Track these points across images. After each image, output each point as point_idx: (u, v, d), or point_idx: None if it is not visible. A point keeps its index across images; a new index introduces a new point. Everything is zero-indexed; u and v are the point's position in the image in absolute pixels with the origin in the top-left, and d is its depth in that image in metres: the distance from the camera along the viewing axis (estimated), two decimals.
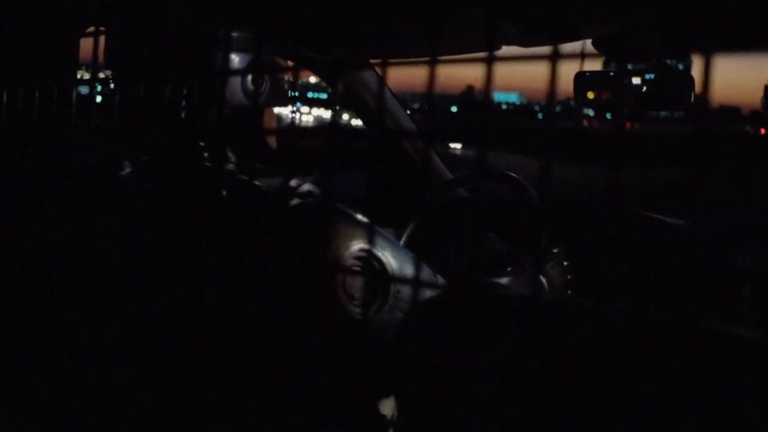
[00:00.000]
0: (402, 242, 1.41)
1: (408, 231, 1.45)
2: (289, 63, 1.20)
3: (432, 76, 0.51)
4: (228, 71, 1.01)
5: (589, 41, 0.99)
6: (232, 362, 0.88)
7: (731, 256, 1.37)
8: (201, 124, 1.02)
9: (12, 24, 1.08)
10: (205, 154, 1.02)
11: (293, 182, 1.01)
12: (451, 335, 0.77)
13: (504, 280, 1.19)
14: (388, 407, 0.84)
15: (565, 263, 1.34)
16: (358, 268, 0.87)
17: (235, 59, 1.01)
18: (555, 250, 1.33)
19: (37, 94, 1.03)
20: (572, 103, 1.29)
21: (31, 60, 1.08)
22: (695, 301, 1.32)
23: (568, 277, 1.34)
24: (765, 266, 1.35)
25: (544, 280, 1.28)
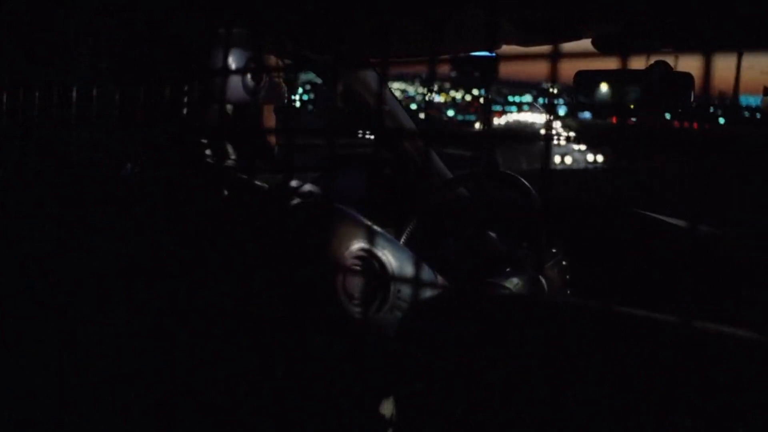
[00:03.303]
0: (402, 242, 1.41)
1: (408, 231, 1.45)
2: (287, 62, 1.20)
3: (432, 76, 0.51)
4: (228, 69, 1.01)
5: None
6: (232, 362, 0.88)
7: (731, 255, 1.37)
8: (202, 121, 1.02)
9: (12, 23, 1.08)
10: (207, 152, 1.02)
11: (294, 182, 1.01)
12: (450, 335, 0.77)
13: (510, 282, 1.19)
14: (387, 407, 0.84)
15: (564, 263, 1.34)
16: (358, 268, 0.87)
17: (234, 56, 1.01)
18: (554, 250, 1.33)
19: (37, 94, 1.03)
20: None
21: (31, 60, 1.08)
22: (695, 301, 1.32)
23: (567, 277, 1.34)
24: (765, 266, 1.35)
25: (543, 281, 1.28)
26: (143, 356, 0.92)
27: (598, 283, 1.43)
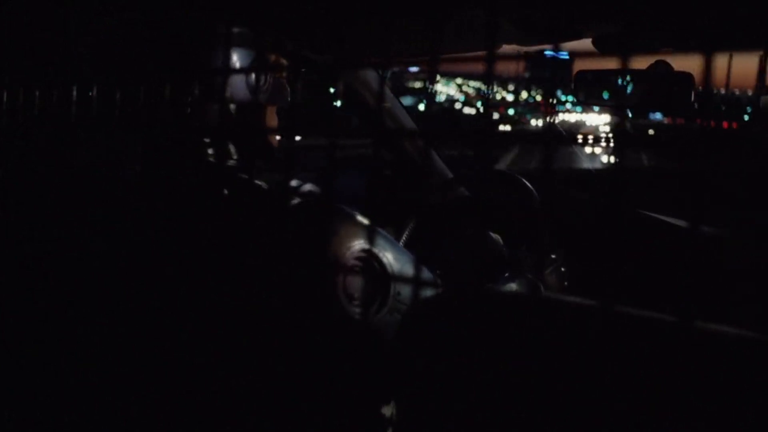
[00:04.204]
0: (402, 242, 1.41)
1: (407, 231, 1.44)
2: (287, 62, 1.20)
3: (432, 75, 0.51)
4: (230, 69, 1.01)
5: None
6: (232, 362, 0.88)
7: (731, 255, 1.37)
8: (203, 121, 1.02)
9: (12, 23, 1.08)
10: (209, 151, 1.02)
11: (294, 182, 1.01)
12: (450, 336, 0.77)
13: (508, 287, 1.19)
14: (387, 407, 0.84)
15: (563, 270, 1.34)
16: (358, 268, 0.87)
17: (237, 56, 1.01)
18: (553, 256, 1.33)
19: (37, 94, 1.03)
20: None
21: (31, 60, 1.08)
22: (695, 301, 1.32)
23: (565, 283, 1.34)
24: (765, 266, 1.35)
25: (541, 287, 1.28)
26: (143, 356, 0.92)
27: (598, 284, 1.43)
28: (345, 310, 0.85)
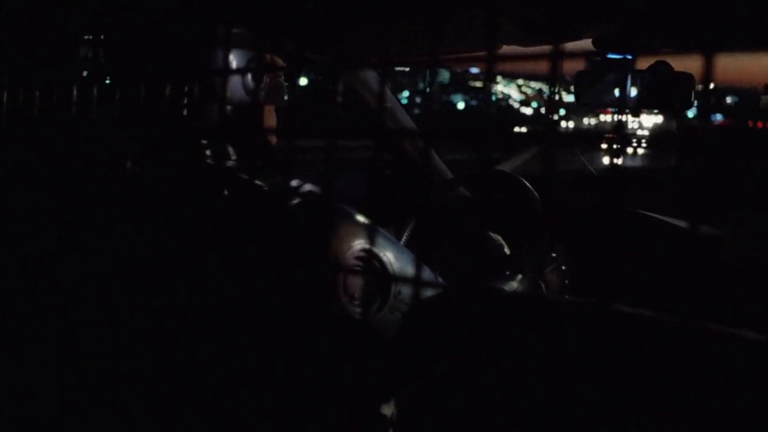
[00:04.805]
0: (402, 242, 1.41)
1: (408, 231, 1.44)
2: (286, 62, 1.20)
3: (432, 76, 0.51)
4: (228, 69, 1.01)
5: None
6: (232, 362, 0.88)
7: (731, 255, 1.37)
8: (202, 121, 1.02)
9: (12, 23, 1.08)
10: (207, 152, 1.02)
11: (294, 182, 1.01)
12: (451, 336, 0.77)
13: (509, 285, 1.19)
14: (388, 407, 0.84)
15: (564, 268, 1.34)
16: (358, 268, 0.87)
17: (235, 56, 1.01)
18: (554, 255, 1.33)
19: (37, 94, 1.03)
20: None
21: (32, 60, 1.08)
22: (695, 301, 1.32)
23: (566, 282, 1.34)
24: (765, 266, 1.35)
25: (542, 285, 1.28)
26: (143, 356, 0.92)
27: (598, 284, 1.43)
28: (345, 310, 0.85)
